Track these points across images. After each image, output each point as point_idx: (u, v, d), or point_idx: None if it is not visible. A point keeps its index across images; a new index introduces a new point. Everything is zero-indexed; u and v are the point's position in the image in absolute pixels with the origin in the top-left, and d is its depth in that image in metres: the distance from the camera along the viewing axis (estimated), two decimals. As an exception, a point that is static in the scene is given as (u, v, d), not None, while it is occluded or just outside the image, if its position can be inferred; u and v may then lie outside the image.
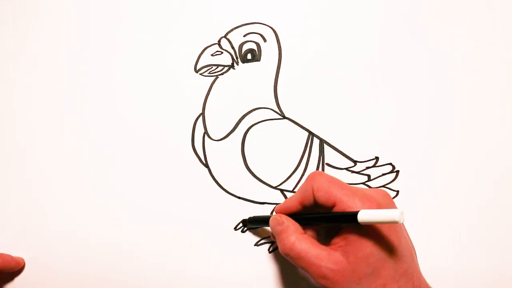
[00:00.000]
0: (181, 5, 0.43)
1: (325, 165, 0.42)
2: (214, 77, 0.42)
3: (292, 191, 0.41)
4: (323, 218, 0.33)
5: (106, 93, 0.43)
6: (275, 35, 0.42)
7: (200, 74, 0.42)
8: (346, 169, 0.41)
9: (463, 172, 0.41)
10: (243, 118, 0.42)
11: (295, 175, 0.42)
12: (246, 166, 0.42)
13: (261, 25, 0.43)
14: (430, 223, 0.40)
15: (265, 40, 0.42)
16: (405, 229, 0.33)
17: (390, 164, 0.41)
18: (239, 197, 0.42)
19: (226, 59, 0.42)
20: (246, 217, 0.41)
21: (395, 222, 0.27)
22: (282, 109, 0.42)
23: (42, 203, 0.43)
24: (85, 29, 0.44)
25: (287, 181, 0.42)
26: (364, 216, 0.29)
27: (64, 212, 0.42)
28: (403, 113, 0.42)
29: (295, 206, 0.35)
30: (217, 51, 0.42)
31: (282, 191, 0.42)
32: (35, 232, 0.43)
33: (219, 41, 0.43)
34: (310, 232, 0.35)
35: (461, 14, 0.42)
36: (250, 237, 0.41)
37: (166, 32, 0.43)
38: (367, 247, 0.30)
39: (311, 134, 0.42)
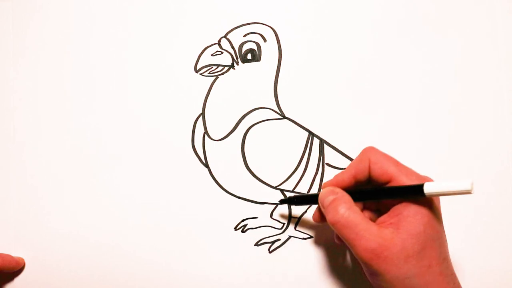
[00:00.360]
0: (181, 5, 0.43)
1: (325, 165, 0.42)
2: (214, 77, 0.42)
3: (292, 191, 0.41)
4: (385, 191, 0.32)
5: (106, 93, 0.43)
6: (275, 35, 0.42)
7: (200, 74, 0.42)
8: (346, 169, 0.41)
9: (463, 172, 0.41)
10: (243, 118, 0.42)
11: (295, 175, 0.42)
12: (246, 166, 0.42)
13: (261, 25, 0.43)
14: (430, 223, 0.40)
15: (265, 40, 0.42)
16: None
17: (390, 164, 0.41)
18: (239, 197, 0.42)
19: (226, 59, 0.42)
20: (250, 216, 0.41)
21: (467, 192, 0.27)
22: (282, 109, 0.42)
23: (42, 203, 0.43)
24: (85, 29, 0.44)
25: (287, 181, 0.42)
26: (431, 188, 0.28)
27: (64, 212, 0.42)
28: (403, 113, 0.42)
29: (348, 179, 0.34)
30: (217, 51, 0.42)
31: (282, 191, 0.42)
32: (35, 232, 0.43)
33: (219, 41, 0.43)
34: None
35: (461, 13, 0.42)
36: (250, 237, 0.41)
37: (166, 32, 0.43)
38: (420, 224, 0.30)
39: (311, 134, 0.42)
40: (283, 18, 0.43)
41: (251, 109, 0.42)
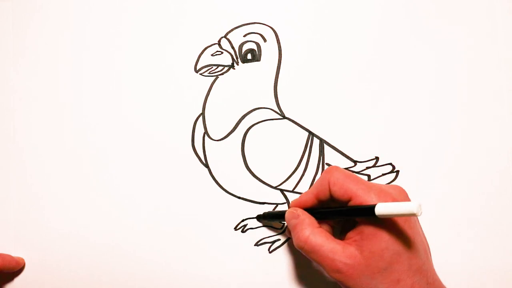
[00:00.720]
0: (181, 5, 0.43)
1: (325, 165, 0.42)
2: (214, 77, 0.42)
3: (292, 191, 0.41)
4: (340, 212, 0.33)
5: (106, 93, 0.43)
6: (275, 35, 0.42)
7: (200, 74, 0.42)
8: (346, 169, 0.41)
9: (463, 172, 0.41)
10: (243, 118, 0.42)
11: (295, 175, 0.42)
12: (246, 166, 0.42)
13: (261, 25, 0.43)
14: (430, 222, 0.40)
15: (265, 40, 0.42)
16: (420, 225, 0.33)
17: (390, 164, 0.41)
18: (239, 197, 0.42)
19: (226, 59, 0.42)
20: (250, 216, 0.41)
21: (413, 215, 0.27)
22: (282, 109, 0.42)
23: (42, 203, 0.43)
24: (85, 29, 0.44)
25: (287, 181, 0.42)
26: (382, 209, 0.29)
27: (64, 212, 0.42)
28: (403, 113, 0.42)
29: (310, 200, 0.35)
30: (217, 51, 0.42)
31: (282, 191, 0.42)
32: (35, 232, 0.43)
33: (219, 41, 0.43)
34: (325, 227, 0.35)
35: (461, 13, 0.42)
36: (250, 237, 0.41)
37: (166, 32, 0.43)
38: (382, 242, 0.30)
39: (311, 134, 0.42)
40: (283, 18, 0.43)
41: (251, 109, 0.42)
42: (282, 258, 0.41)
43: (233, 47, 0.42)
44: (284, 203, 0.42)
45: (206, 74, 0.42)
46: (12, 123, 0.44)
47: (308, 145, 0.42)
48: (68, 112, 0.43)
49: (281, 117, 0.42)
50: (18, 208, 0.43)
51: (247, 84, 0.42)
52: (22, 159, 0.43)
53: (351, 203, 0.32)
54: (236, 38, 0.43)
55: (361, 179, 0.33)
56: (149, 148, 0.42)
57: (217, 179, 0.42)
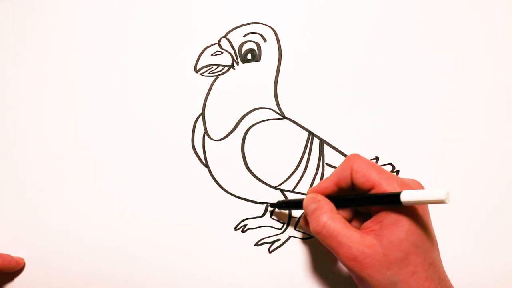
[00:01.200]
0: (181, 6, 0.43)
1: (325, 165, 0.42)
2: (214, 77, 0.42)
3: (292, 191, 0.41)
4: (363, 199, 0.32)
5: (106, 93, 0.43)
6: (275, 35, 0.42)
7: (200, 74, 0.42)
8: (346, 169, 0.41)
9: (463, 172, 0.41)
10: (243, 118, 0.42)
11: (295, 175, 0.42)
12: (246, 166, 0.42)
13: (261, 25, 0.43)
14: (430, 223, 0.40)
15: (265, 40, 0.42)
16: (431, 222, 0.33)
17: (390, 164, 0.41)
18: (239, 197, 0.42)
19: (226, 59, 0.42)
20: (250, 216, 0.41)
21: (441, 202, 0.27)
22: (282, 109, 0.42)
23: (42, 203, 0.43)
24: (85, 29, 0.44)
25: (287, 181, 0.42)
26: (408, 196, 0.28)
27: (64, 212, 0.42)
28: (403, 113, 0.42)
29: (330, 187, 0.34)
30: (217, 51, 0.42)
31: (282, 191, 0.42)
32: (35, 232, 0.43)
33: (219, 41, 0.43)
34: (343, 214, 0.34)
35: (461, 13, 0.43)
36: (250, 237, 0.41)
37: (166, 32, 0.43)
38: (402, 232, 0.30)
39: (311, 134, 0.42)
40: (283, 18, 0.43)
41: (251, 109, 0.42)
42: (282, 258, 0.41)
43: (233, 47, 0.42)
44: (284, 203, 0.42)
45: (206, 74, 0.42)
46: (12, 123, 0.44)
47: (308, 145, 0.42)
48: (68, 112, 0.43)
49: (281, 117, 0.42)
50: (18, 208, 0.43)
51: (247, 84, 0.42)
52: (22, 159, 0.43)
53: (373, 192, 0.32)
54: (236, 38, 0.43)
55: (383, 168, 0.32)
56: (149, 148, 0.42)
57: (217, 179, 0.42)
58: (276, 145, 0.42)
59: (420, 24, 0.42)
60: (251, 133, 0.42)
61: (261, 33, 0.43)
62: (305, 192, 0.41)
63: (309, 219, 0.34)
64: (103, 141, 0.43)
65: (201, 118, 0.42)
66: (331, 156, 0.41)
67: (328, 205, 0.33)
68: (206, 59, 0.42)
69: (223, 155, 0.42)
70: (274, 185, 0.42)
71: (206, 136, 0.42)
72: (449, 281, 0.32)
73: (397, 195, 0.29)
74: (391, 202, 0.30)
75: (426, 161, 0.41)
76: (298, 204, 0.37)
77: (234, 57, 0.42)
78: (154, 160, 0.42)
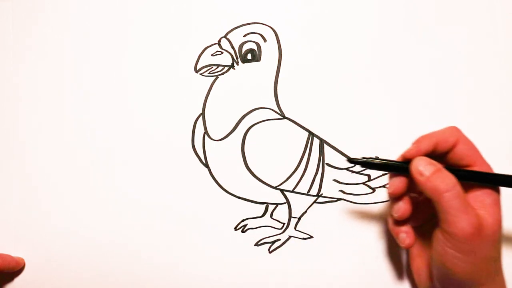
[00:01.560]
0: (181, 6, 0.43)
1: (325, 165, 0.42)
2: (214, 77, 0.42)
3: (292, 191, 0.41)
4: (485, 176, 0.32)
5: (106, 93, 0.43)
6: (275, 35, 0.42)
7: (200, 74, 0.42)
8: (346, 169, 0.41)
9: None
10: (243, 118, 0.42)
11: (295, 175, 0.42)
12: (246, 166, 0.42)
13: (261, 25, 0.43)
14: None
15: (265, 40, 0.42)
16: None
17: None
18: (239, 197, 0.42)
19: (226, 59, 0.42)
20: (250, 216, 0.41)
21: None
22: (282, 109, 0.42)
23: (42, 203, 0.43)
24: (85, 29, 0.44)
25: (287, 181, 0.41)
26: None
27: (64, 212, 0.42)
28: (403, 113, 0.42)
29: (428, 146, 0.33)
30: (217, 51, 0.42)
31: (282, 191, 0.42)
32: (35, 232, 0.43)
33: (219, 41, 0.43)
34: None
35: (460, 13, 0.43)
36: (250, 237, 0.41)
37: (166, 32, 0.43)
38: (500, 214, 0.31)
39: (311, 134, 0.42)
40: (283, 18, 0.43)
41: (251, 109, 0.42)
42: (282, 258, 0.41)
43: (233, 47, 0.42)
44: (284, 203, 0.42)
45: (206, 74, 0.42)
46: (13, 123, 0.44)
47: (308, 145, 0.42)
48: (69, 112, 0.43)
49: (281, 117, 0.42)
50: (18, 208, 0.43)
51: (247, 84, 0.42)
52: (22, 159, 0.43)
53: (469, 169, 0.32)
54: (236, 38, 0.43)
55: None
56: (149, 148, 0.42)
57: (217, 179, 0.42)
58: (276, 145, 0.42)
59: (420, 24, 0.42)
60: (251, 133, 0.42)
61: (261, 33, 0.43)
62: (305, 191, 0.41)
63: (432, 177, 0.31)
64: (103, 141, 0.42)
65: (201, 118, 0.42)
66: (331, 156, 0.41)
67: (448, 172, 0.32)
68: (206, 59, 0.42)
69: (223, 155, 0.42)
70: (274, 185, 0.42)
71: (206, 136, 0.42)
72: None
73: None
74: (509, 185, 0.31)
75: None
76: (393, 166, 0.34)
77: (234, 57, 0.42)
78: (154, 160, 0.42)
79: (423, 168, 0.32)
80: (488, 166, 0.32)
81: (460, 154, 0.32)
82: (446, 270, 0.32)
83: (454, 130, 0.33)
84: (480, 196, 0.32)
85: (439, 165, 0.32)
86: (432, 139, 0.33)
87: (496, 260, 0.31)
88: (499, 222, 0.31)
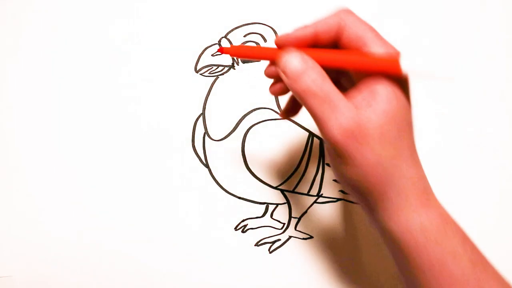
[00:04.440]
0: (181, 6, 0.43)
1: (325, 165, 0.42)
2: (215, 77, 0.42)
3: (292, 191, 0.41)
4: (355, 59, 0.26)
5: (106, 93, 0.43)
6: (275, 35, 0.43)
7: (200, 74, 0.42)
8: (346, 169, 0.41)
9: (463, 171, 0.41)
10: (244, 118, 0.42)
11: (295, 175, 0.42)
12: (246, 166, 0.42)
13: (262, 25, 0.43)
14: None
15: (265, 40, 0.42)
16: None
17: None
18: (239, 197, 0.42)
19: (226, 59, 0.42)
20: (250, 216, 0.41)
21: (449, 81, 0.25)
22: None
23: (40, 206, 0.42)
24: (85, 29, 0.44)
25: (287, 181, 0.42)
26: (410, 64, 0.24)
27: (63, 212, 0.42)
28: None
29: (307, 37, 0.28)
30: (218, 52, 0.42)
31: (282, 191, 0.42)
32: (33, 235, 0.42)
33: (220, 41, 0.43)
34: None
35: (460, 12, 0.43)
36: (250, 237, 0.41)
37: (166, 33, 0.43)
38: (396, 106, 0.26)
39: (311, 134, 0.42)
40: (283, 18, 0.43)
41: (251, 109, 0.42)
42: (283, 258, 0.41)
43: (233, 47, 0.42)
44: (284, 203, 0.42)
45: (206, 74, 0.42)
46: (10, 124, 0.43)
47: (308, 145, 0.42)
48: (68, 112, 0.43)
49: (281, 117, 0.42)
50: (15, 211, 0.42)
51: (247, 84, 0.42)
52: (20, 159, 0.43)
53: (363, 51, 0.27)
54: (236, 38, 0.43)
55: (376, 30, 0.27)
56: (149, 148, 0.42)
57: (217, 179, 0.42)
58: (276, 145, 0.42)
59: (420, 24, 0.42)
60: (251, 133, 0.42)
61: (261, 33, 0.43)
62: (305, 191, 0.42)
63: (297, 77, 0.27)
64: (103, 141, 0.42)
65: (201, 118, 0.42)
66: (331, 156, 0.41)
67: (319, 67, 0.27)
68: (206, 59, 0.42)
69: (223, 155, 0.42)
70: (274, 185, 0.42)
71: (206, 136, 0.42)
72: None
73: (396, 59, 0.25)
74: (388, 68, 0.25)
75: (426, 161, 0.41)
76: (265, 53, 0.29)
77: (234, 57, 0.42)
78: (155, 160, 0.42)
79: (289, 63, 0.27)
80: (386, 47, 0.26)
81: (347, 40, 0.27)
82: (335, 175, 0.28)
83: (339, 14, 0.28)
84: (370, 85, 0.26)
85: (308, 63, 0.26)
86: (310, 28, 0.28)
87: (385, 163, 0.26)
88: (392, 118, 0.25)
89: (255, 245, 0.41)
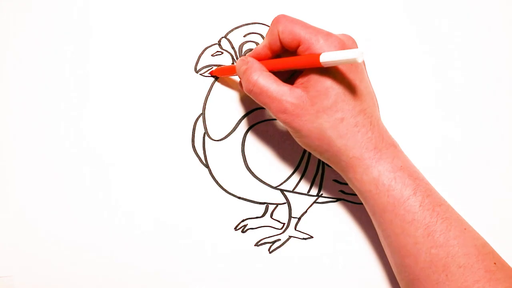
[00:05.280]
0: (181, 6, 0.43)
1: (325, 165, 0.42)
2: (215, 77, 0.42)
3: (292, 191, 0.42)
4: (287, 61, 0.33)
5: (106, 93, 0.43)
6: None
7: (200, 74, 0.42)
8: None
9: (463, 171, 0.41)
10: (243, 118, 0.42)
11: (295, 175, 0.42)
12: (246, 166, 0.42)
13: (261, 25, 0.43)
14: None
15: (265, 40, 0.42)
16: (368, 76, 0.35)
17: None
18: (239, 197, 0.42)
19: (226, 59, 0.42)
20: (250, 216, 0.41)
21: (355, 61, 0.28)
22: (282, 109, 0.42)
23: (40, 206, 0.42)
24: (84, 29, 0.43)
25: (287, 181, 0.42)
26: (326, 57, 0.30)
27: (64, 213, 0.42)
28: (403, 113, 0.42)
29: (264, 51, 0.35)
30: (218, 51, 0.42)
31: (282, 191, 0.42)
32: (33, 235, 0.42)
33: (219, 41, 0.43)
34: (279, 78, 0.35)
35: (461, 12, 0.43)
36: (250, 237, 0.41)
37: (166, 33, 0.43)
38: (327, 81, 0.31)
39: (311, 134, 0.42)
40: (283, 18, 0.43)
41: (251, 109, 0.42)
42: (283, 258, 0.41)
43: (233, 47, 0.42)
44: (284, 203, 0.42)
45: (206, 74, 0.42)
46: (9, 124, 0.43)
47: (308, 145, 0.42)
48: (68, 112, 0.43)
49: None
50: (14, 211, 0.42)
51: (247, 84, 0.42)
52: (19, 159, 0.43)
53: (300, 48, 0.32)
54: (236, 38, 0.43)
55: (308, 24, 0.33)
56: (149, 148, 0.42)
57: (217, 179, 0.42)
58: (276, 145, 0.42)
59: (420, 23, 0.43)
60: (251, 133, 0.42)
61: (261, 33, 0.43)
62: (305, 191, 0.42)
63: (242, 80, 0.35)
64: (102, 141, 0.42)
65: (201, 118, 0.42)
66: (331, 156, 0.41)
67: (258, 64, 0.34)
68: (206, 59, 0.42)
69: (223, 155, 0.42)
70: (274, 185, 0.42)
71: (206, 136, 0.42)
72: (383, 128, 0.34)
73: (317, 56, 0.30)
74: (312, 64, 0.31)
75: (425, 161, 0.41)
76: (231, 70, 0.39)
77: (235, 57, 0.42)
78: (154, 160, 0.42)
79: (238, 69, 0.35)
80: (317, 38, 0.32)
81: (286, 43, 0.33)
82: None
83: (275, 23, 0.34)
84: (307, 72, 0.32)
85: (248, 64, 0.34)
86: (265, 42, 0.35)
87: (326, 130, 0.32)
88: (323, 91, 0.31)
89: (255, 245, 0.41)
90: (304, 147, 0.36)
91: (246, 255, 0.41)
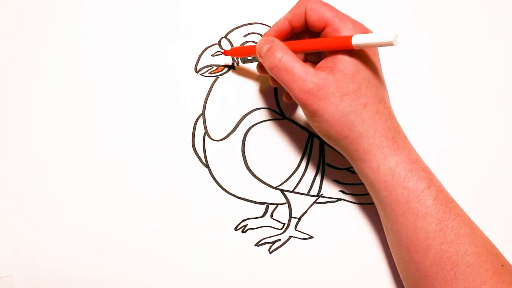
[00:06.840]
0: (182, 6, 0.43)
1: (325, 165, 0.42)
2: (215, 77, 0.42)
3: (292, 191, 0.41)
4: (314, 42, 0.33)
5: (106, 93, 0.43)
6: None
7: (200, 74, 0.42)
8: (347, 169, 0.41)
9: (463, 171, 0.41)
10: (244, 118, 0.42)
11: (295, 175, 0.42)
12: (246, 166, 0.42)
13: (261, 25, 0.43)
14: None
15: (265, 40, 0.42)
16: None
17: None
18: (239, 197, 0.42)
19: (226, 59, 0.42)
20: (250, 216, 0.41)
21: (390, 44, 0.28)
22: (282, 109, 0.42)
23: (40, 206, 0.42)
24: (85, 29, 0.44)
25: (287, 181, 0.42)
26: (359, 40, 0.29)
27: (64, 213, 0.42)
28: (402, 113, 0.42)
29: (284, 26, 0.35)
30: (218, 51, 0.42)
31: (282, 191, 0.42)
32: (33, 235, 0.42)
33: (220, 41, 0.43)
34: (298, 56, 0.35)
35: (460, 12, 0.43)
36: (250, 237, 0.41)
37: (166, 33, 0.43)
38: (354, 66, 0.31)
39: (311, 134, 0.42)
40: (283, 18, 0.43)
41: (251, 109, 0.42)
42: (283, 258, 0.41)
43: (233, 48, 0.42)
44: (285, 203, 0.42)
45: (206, 74, 0.42)
46: (9, 123, 0.43)
47: (308, 145, 0.42)
48: (67, 111, 0.43)
49: (281, 117, 0.42)
50: (14, 210, 0.42)
51: (247, 84, 0.42)
52: (19, 159, 0.43)
53: (326, 30, 0.33)
54: (237, 38, 0.43)
55: (336, 9, 0.33)
56: (149, 148, 0.42)
57: (217, 179, 0.42)
58: (276, 145, 0.42)
59: (421, 22, 0.43)
60: (251, 133, 0.42)
61: (261, 33, 0.43)
62: (305, 192, 0.42)
63: (264, 58, 0.34)
64: (103, 141, 0.42)
65: (201, 118, 0.42)
66: (331, 156, 0.42)
67: (282, 43, 0.33)
68: (206, 60, 0.42)
69: (223, 155, 0.42)
70: (274, 185, 0.42)
71: (206, 136, 0.42)
72: (395, 118, 0.34)
73: (348, 38, 0.30)
74: (343, 45, 0.31)
75: (426, 160, 0.41)
76: (251, 50, 0.37)
77: (235, 57, 0.42)
78: (155, 160, 0.42)
79: (260, 49, 0.34)
80: (345, 22, 0.32)
81: (311, 22, 0.33)
82: (316, 132, 0.35)
83: (303, 1, 0.33)
84: (332, 56, 0.32)
85: (273, 42, 0.33)
86: (283, 20, 0.35)
87: (349, 114, 0.32)
88: (349, 75, 0.31)
89: (255, 245, 0.41)
90: (319, 133, 0.35)
91: (246, 255, 0.41)
